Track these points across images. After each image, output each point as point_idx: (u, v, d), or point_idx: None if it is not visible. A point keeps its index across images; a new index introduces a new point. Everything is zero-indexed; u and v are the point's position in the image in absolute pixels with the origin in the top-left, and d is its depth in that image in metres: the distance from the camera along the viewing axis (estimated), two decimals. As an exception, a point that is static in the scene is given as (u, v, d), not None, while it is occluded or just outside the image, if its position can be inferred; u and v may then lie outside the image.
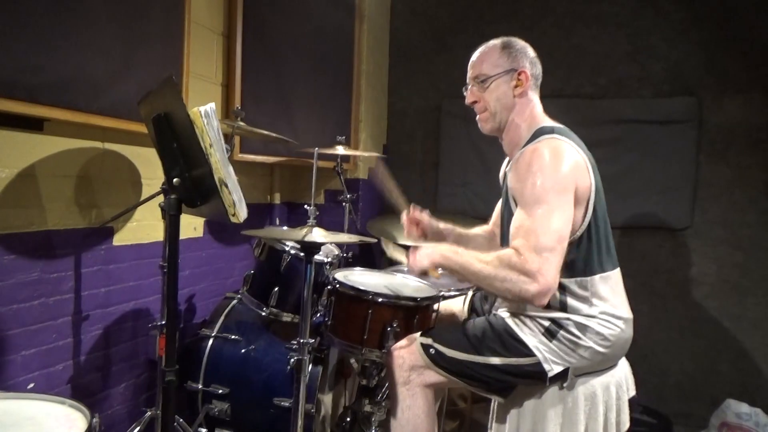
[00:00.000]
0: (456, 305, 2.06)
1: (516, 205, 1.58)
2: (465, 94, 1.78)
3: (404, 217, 2.07)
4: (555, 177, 1.49)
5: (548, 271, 1.42)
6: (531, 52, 1.73)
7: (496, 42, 1.73)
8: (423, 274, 1.72)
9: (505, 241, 1.71)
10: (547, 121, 1.69)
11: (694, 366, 3.20)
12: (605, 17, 3.31)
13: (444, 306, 2.03)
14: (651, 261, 3.26)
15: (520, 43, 1.73)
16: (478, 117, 1.77)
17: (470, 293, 2.08)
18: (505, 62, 1.69)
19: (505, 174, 1.79)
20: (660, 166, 3.20)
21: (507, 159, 1.83)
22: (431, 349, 1.65)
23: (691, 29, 3.17)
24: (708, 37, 3.14)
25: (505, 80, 1.69)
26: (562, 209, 1.47)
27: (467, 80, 1.78)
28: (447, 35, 3.63)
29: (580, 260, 1.54)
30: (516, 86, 1.68)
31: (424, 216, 2.07)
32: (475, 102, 1.76)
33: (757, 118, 3.07)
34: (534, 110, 1.71)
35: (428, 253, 1.65)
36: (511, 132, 1.72)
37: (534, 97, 1.72)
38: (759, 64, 3.05)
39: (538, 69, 1.73)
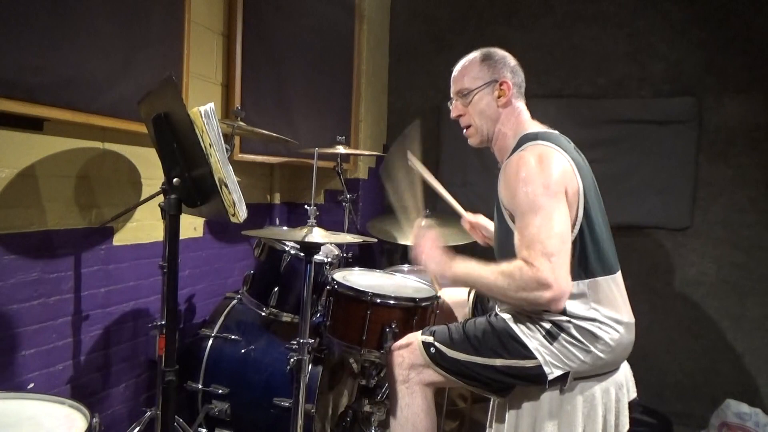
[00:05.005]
0: (457, 297, 2.06)
1: (506, 213, 1.60)
2: (450, 107, 1.79)
3: (465, 224, 2.17)
4: (545, 181, 1.50)
5: (560, 276, 1.42)
6: (511, 61, 1.74)
7: (475, 54, 1.75)
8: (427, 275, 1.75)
9: (498, 250, 1.72)
10: (533, 127, 1.69)
11: (694, 366, 3.20)
12: (605, 17, 3.31)
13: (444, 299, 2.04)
14: (651, 261, 3.26)
15: (499, 53, 1.74)
16: (464, 132, 1.79)
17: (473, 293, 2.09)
18: (485, 74, 1.71)
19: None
20: (660, 166, 3.19)
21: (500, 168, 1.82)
22: (432, 348, 1.65)
23: (691, 29, 3.16)
24: (708, 37, 3.14)
25: (487, 92, 1.70)
26: (558, 211, 1.48)
27: (451, 95, 1.79)
28: (447, 35, 3.63)
29: (575, 264, 1.53)
30: (499, 96, 1.69)
31: (480, 219, 2.14)
32: (460, 116, 1.77)
33: (757, 118, 3.07)
34: (520, 117, 1.71)
35: (442, 263, 1.68)
36: (499, 141, 1.74)
37: (519, 104, 1.73)
38: (759, 64, 3.05)
39: (520, 77, 1.74)
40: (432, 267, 1.70)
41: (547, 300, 1.43)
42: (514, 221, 1.56)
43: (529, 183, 1.50)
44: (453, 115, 1.79)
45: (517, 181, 1.52)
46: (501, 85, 1.69)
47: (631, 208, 3.21)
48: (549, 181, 1.50)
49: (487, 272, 1.55)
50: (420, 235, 1.76)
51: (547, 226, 1.45)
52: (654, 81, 3.25)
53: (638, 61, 3.27)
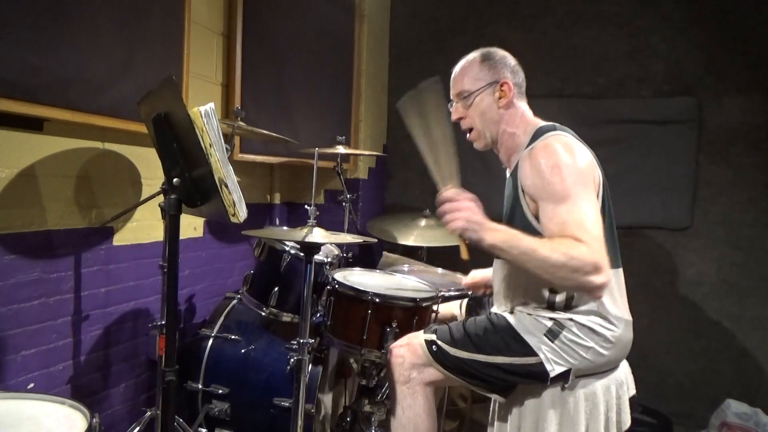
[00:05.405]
0: (455, 308, 2.06)
1: (529, 205, 1.54)
2: (450, 110, 1.76)
3: (464, 283, 2.10)
4: (577, 170, 1.48)
5: (606, 262, 1.36)
6: (511, 60, 1.71)
7: (474, 55, 1.72)
8: (458, 237, 1.54)
9: None
10: (542, 122, 1.68)
11: (694, 366, 3.20)
12: (605, 17, 3.31)
13: (444, 308, 2.04)
14: (651, 261, 3.26)
15: (499, 53, 1.71)
16: (468, 137, 1.75)
17: (466, 299, 2.09)
18: (486, 75, 1.68)
19: (509, 181, 1.71)
20: (660, 166, 3.19)
21: (506, 169, 1.78)
22: (434, 346, 1.65)
23: (691, 29, 3.16)
24: (708, 37, 3.14)
25: (488, 93, 1.68)
26: (591, 200, 1.46)
27: (451, 97, 1.76)
28: (447, 35, 3.63)
29: None
30: (500, 98, 1.67)
31: (477, 276, 2.05)
32: (460, 118, 1.74)
33: (757, 118, 3.07)
34: (525, 116, 1.70)
35: (481, 224, 1.47)
36: (505, 142, 1.71)
37: (521, 104, 1.71)
38: (759, 64, 3.05)
39: (520, 77, 1.72)
40: (468, 226, 1.47)
41: (597, 285, 1.35)
42: (534, 214, 1.53)
43: (561, 170, 1.46)
44: (453, 117, 1.75)
45: (549, 168, 1.48)
46: (502, 86, 1.66)
47: (631, 208, 3.21)
48: (580, 168, 1.49)
49: (538, 244, 1.39)
50: (457, 192, 1.55)
51: (590, 212, 1.42)
52: (654, 81, 3.25)
53: (638, 61, 3.27)
